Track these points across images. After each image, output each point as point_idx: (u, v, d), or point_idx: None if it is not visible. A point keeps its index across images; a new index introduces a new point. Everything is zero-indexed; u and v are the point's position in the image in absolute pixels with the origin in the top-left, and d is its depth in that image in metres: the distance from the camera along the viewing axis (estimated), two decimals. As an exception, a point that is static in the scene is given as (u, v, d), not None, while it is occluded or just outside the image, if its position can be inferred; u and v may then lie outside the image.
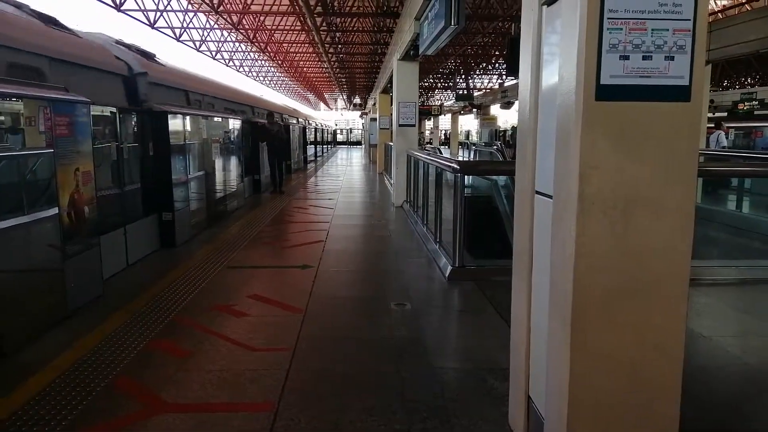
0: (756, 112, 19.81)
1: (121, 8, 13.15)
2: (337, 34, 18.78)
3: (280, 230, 8.08)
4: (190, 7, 17.11)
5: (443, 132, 50.33)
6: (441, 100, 46.44)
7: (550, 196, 2.08)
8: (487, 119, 35.57)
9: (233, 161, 9.69)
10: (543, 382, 2.19)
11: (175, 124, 6.63)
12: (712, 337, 3.75)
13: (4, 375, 3.17)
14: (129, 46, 7.13)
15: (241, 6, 16.14)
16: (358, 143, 52.31)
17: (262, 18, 18.07)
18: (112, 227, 5.37)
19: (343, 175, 18.06)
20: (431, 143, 39.01)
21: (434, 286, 5.13)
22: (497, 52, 24.64)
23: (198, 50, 20.43)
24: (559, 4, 1.97)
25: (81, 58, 5.30)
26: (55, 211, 3.94)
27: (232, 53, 25.40)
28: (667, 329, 1.92)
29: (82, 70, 5.27)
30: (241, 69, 29.14)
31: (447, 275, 5.22)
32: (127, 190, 5.89)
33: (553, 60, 2.04)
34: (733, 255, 6.78)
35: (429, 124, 44.90)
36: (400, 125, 10.59)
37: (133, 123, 6.24)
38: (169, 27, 17.00)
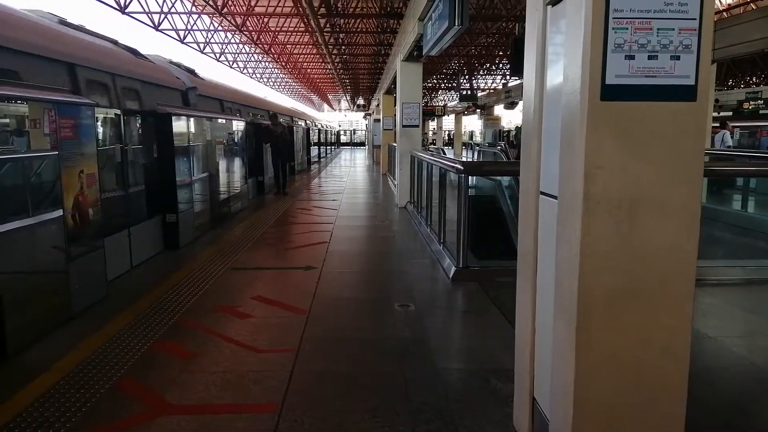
0: (761, 111, 19.75)
1: (126, 10, 13.19)
2: (341, 35, 18.77)
3: (284, 231, 8.09)
4: (194, 9, 17.16)
5: (447, 133, 50.30)
6: (445, 101, 46.44)
7: (554, 197, 2.07)
8: (490, 120, 35.59)
9: (237, 163, 9.72)
10: (548, 384, 2.18)
11: (179, 125, 6.65)
12: (718, 338, 3.73)
13: (8, 376, 3.18)
14: (179, 65, 8.79)
15: (244, 8, 16.16)
16: (362, 144, 52.37)
17: (265, 19, 18.09)
18: (116, 229, 5.39)
19: (347, 177, 18.07)
20: (434, 144, 38.99)
21: (438, 287, 5.12)
22: (501, 53, 24.60)
23: (202, 52, 20.48)
24: (564, 3, 1.96)
25: (159, 80, 6.96)
26: (59, 213, 3.95)
27: (236, 55, 25.45)
28: (673, 329, 1.91)
29: (159, 89, 6.85)
30: (245, 71, 29.20)
31: (451, 276, 5.21)
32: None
33: (558, 60, 2.03)
34: (738, 255, 6.75)
35: (432, 124, 44.90)
36: (403, 126, 10.59)
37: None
38: (173, 29, 17.04)
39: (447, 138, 48.69)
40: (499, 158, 17.62)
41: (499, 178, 8.00)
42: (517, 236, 2.51)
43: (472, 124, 52.21)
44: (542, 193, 2.24)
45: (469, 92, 32.38)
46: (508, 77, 30.45)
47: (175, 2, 15.67)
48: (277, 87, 40.67)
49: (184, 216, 6.78)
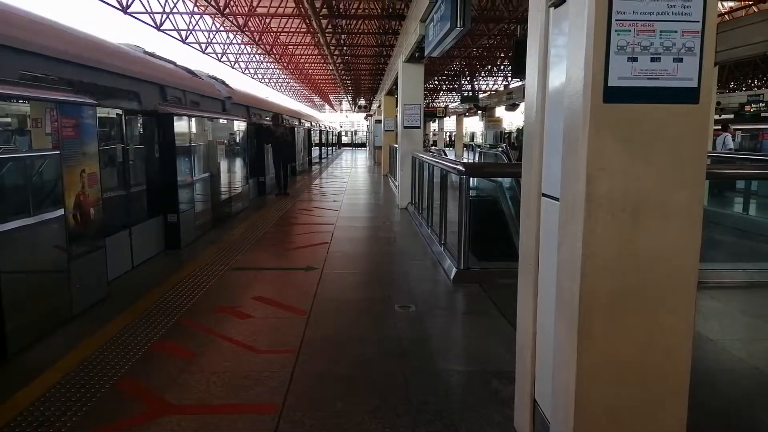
0: (763, 114, 19.71)
1: (128, 11, 13.22)
2: (343, 36, 18.78)
3: (285, 232, 8.09)
4: (196, 9, 17.18)
5: (448, 134, 50.31)
6: (446, 102, 46.42)
7: (556, 199, 2.06)
8: (492, 121, 35.55)
9: (238, 163, 9.73)
10: (549, 386, 2.17)
11: (181, 126, 6.65)
12: (719, 340, 3.72)
13: (9, 376, 3.18)
14: (215, 78, 10.41)
15: (246, 8, 16.17)
16: (363, 145, 52.38)
17: (267, 20, 18.11)
18: (118, 228, 5.39)
19: (348, 177, 18.07)
20: (436, 145, 38.99)
21: (439, 289, 5.12)
22: (502, 54, 24.59)
23: (204, 52, 20.51)
24: (567, 5, 1.96)
25: (207, 92, 8.79)
26: (60, 212, 3.95)
27: (238, 55, 25.47)
28: (675, 332, 1.91)
29: (208, 100, 8.74)
30: (247, 71, 29.23)
31: (452, 277, 5.20)
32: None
33: (561, 62, 2.03)
34: (740, 258, 6.74)
35: (434, 126, 44.90)
36: (405, 127, 10.59)
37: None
38: (175, 29, 17.06)
39: (448, 139, 48.70)
40: (500, 160, 17.61)
41: (500, 179, 7.99)
42: (518, 238, 2.51)
43: (474, 125, 52.17)
44: (544, 194, 2.24)
45: (470, 94, 32.38)
46: (509, 79, 30.42)
47: (177, 2, 15.70)
48: (278, 87, 40.71)
49: (186, 216, 6.79)
